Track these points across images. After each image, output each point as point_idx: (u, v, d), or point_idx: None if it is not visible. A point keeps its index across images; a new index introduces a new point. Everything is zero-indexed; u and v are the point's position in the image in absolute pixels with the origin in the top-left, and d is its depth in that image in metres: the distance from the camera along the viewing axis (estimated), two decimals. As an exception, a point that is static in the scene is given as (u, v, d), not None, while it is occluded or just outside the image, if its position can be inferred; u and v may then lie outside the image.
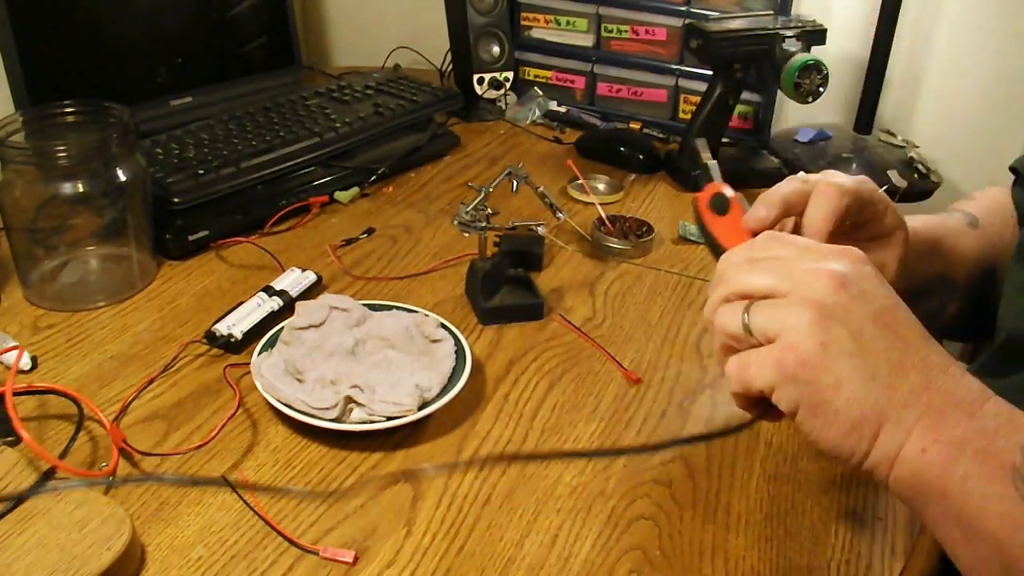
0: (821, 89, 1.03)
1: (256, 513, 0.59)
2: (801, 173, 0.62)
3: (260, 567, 0.56)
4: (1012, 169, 0.77)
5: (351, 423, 0.65)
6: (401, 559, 0.57)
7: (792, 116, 1.32)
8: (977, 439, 0.44)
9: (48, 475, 0.60)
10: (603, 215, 0.97)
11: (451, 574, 0.56)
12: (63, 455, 0.63)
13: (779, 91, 1.11)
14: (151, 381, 0.72)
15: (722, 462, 0.66)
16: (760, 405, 0.51)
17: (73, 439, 0.65)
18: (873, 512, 0.62)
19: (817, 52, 1.05)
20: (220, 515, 0.59)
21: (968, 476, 0.44)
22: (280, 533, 0.58)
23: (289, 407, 0.66)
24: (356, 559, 0.56)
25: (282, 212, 0.97)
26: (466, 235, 0.83)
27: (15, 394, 0.67)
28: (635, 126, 1.28)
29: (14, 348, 0.69)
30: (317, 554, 0.56)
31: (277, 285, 0.83)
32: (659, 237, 0.98)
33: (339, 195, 1.04)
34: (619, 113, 1.33)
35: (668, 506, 0.62)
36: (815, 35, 1.07)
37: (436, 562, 0.57)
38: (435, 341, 0.74)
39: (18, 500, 0.56)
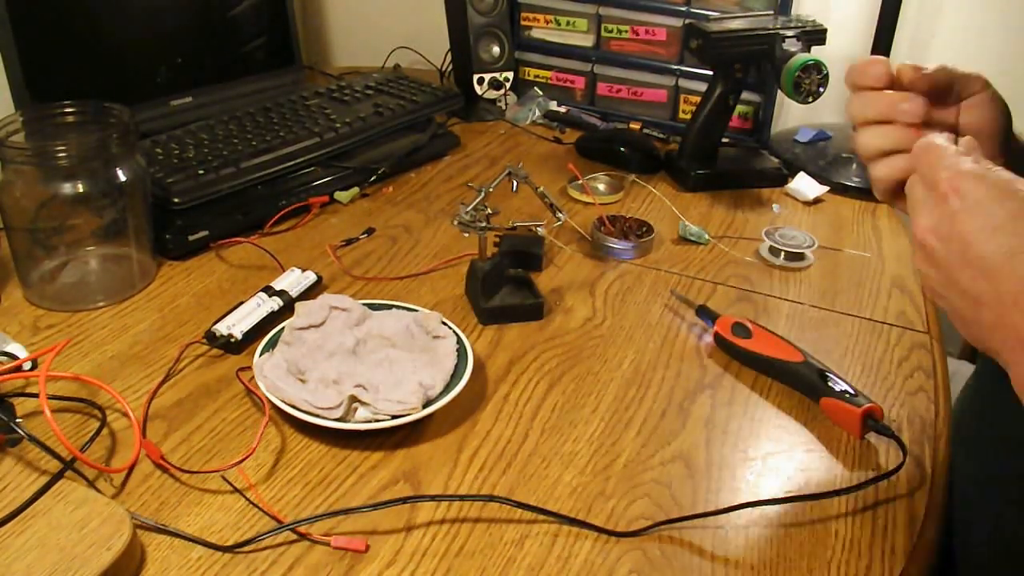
0: (821, 89, 1.03)
1: (262, 510, 0.59)
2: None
3: (260, 567, 0.56)
4: None
5: (356, 422, 0.65)
6: (401, 559, 0.57)
7: (792, 116, 1.32)
8: None
9: (68, 464, 0.60)
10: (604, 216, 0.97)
11: (451, 574, 0.56)
12: (82, 450, 0.63)
13: (779, 91, 1.11)
14: (160, 385, 0.72)
15: (722, 462, 0.66)
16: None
17: (95, 436, 0.65)
18: (873, 512, 0.62)
19: (817, 52, 1.05)
20: (220, 515, 0.59)
21: None
22: (285, 526, 0.58)
23: (293, 407, 0.66)
24: (368, 547, 0.57)
25: (282, 212, 0.97)
26: (466, 235, 0.83)
27: (22, 394, 0.68)
28: (635, 126, 1.28)
29: (46, 351, 0.69)
30: (329, 545, 0.57)
31: (277, 285, 0.83)
32: (659, 237, 0.98)
33: (339, 195, 1.04)
34: (619, 113, 1.33)
35: (668, 506, 0.62)
36: (815, 35, 1.07)
37: (436, 562, 0.57)
38: (437, 337, 0.74)
39: (38, 493, 0.56)
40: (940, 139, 0.55)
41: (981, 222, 0.50)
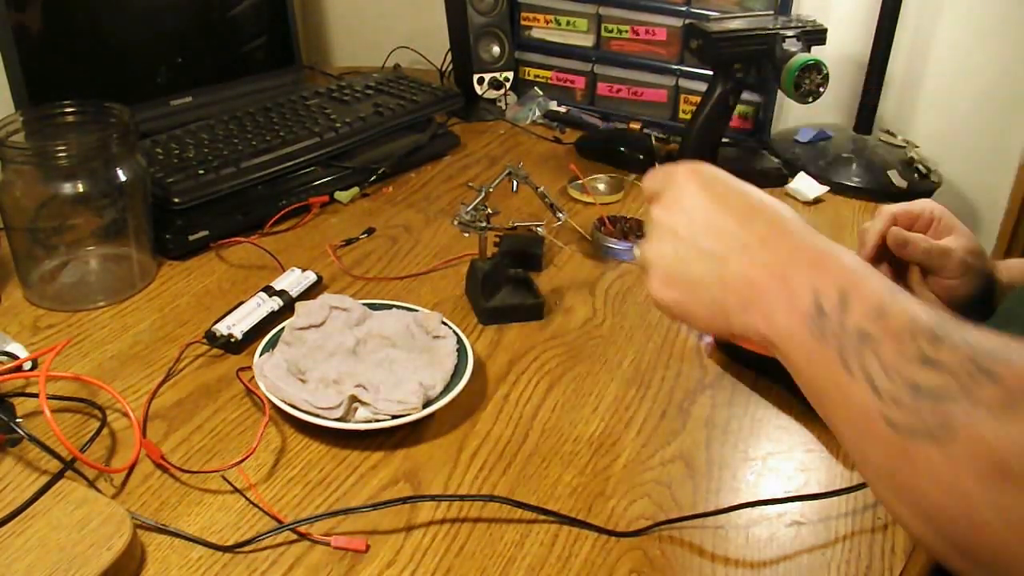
0: (821, 89, 1.03)
1: (262, 510, 0.59)
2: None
3: (260, 567, 0.56)
4: None
5: (356, 422, 0.65)
6: (401, 559, 0.57)
7: (792, 116, 1.32)
8: (786, 301, 0.47)
9: (68, 464, 0.60)
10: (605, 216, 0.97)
11: (451, 574, 0.56)
12: (82, 450, 0.63)
13: (779, 91, 1.11)
14: (160, 385, 0.72)
15: (722, 462, 0.66)
16: None
17: (95, 436, 0.65)
18: (873, 512, 0.62)
19: (817, 52, 1.05)
20: (220, 515, 0.59)
21: (782, 334, 0.47)
22: (286, 526, 0.58)
23: (293, 407, 0.66)
24: (368, 547, 0.57)
25: (282, 212, 0.97)
26: (466, 235, 0.83)
27: (21, 394, 0.68)
28: (635, 126, 1.28)
29: (46, 351, 0.69)
30: (329, 545, 0.57)
31: (277, 285, 0.83)
32: (659, 237, 0.98)
33: (339, 195, 1.04)
34: (619, 113, 1.33)
35: (668, 506, 0.62)
36: (815, 35, 1.07)
37: (436, 562, 0.57)
38: (437, 337, 0.74)
39: (38, 493, 0.56)
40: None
41: (717, 188, 0.53)
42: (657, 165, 0.59)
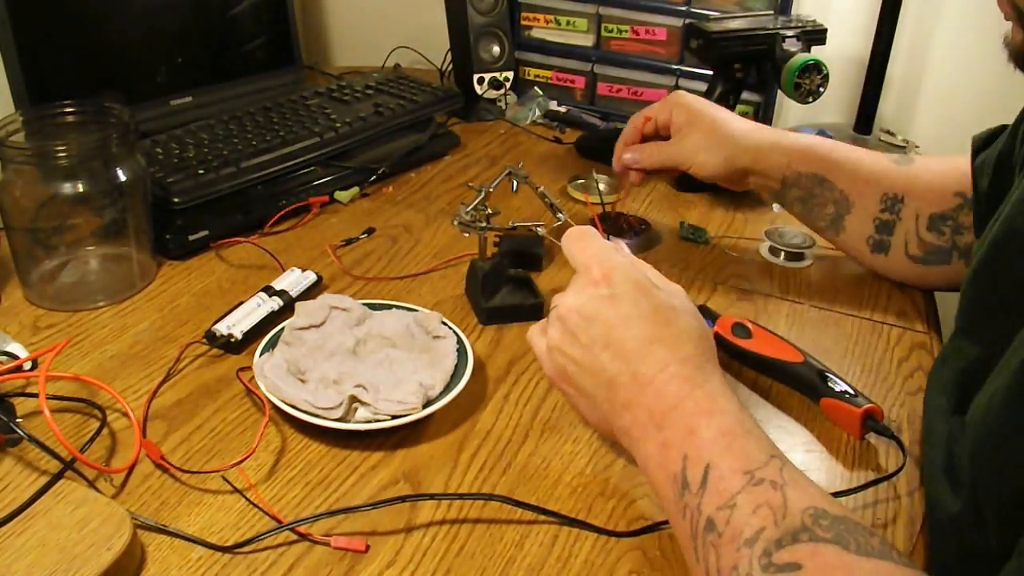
0: (821, 89, 1.03)
1: (262, 510, 0.59)
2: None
3: (260, 568, 0.56)
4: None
5: (356, 422, 0.65)
6: (401, 559, 0.57)
7: (792, 116, 1.32)
8: (658, 452, 0.53)
9: (68, 464, 0.60)
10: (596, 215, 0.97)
11: (451, 574, 0.56)
12: (82, 450, 0.63)
13: (779, 91, 1.11)
14: (160, 385, 0.72)
15: (722, 462, 0.66)
16: None
17: (95, 436, 0.65)
18: (873, 512, 0.62)
19: (817, 52, 1.05)
20: (220, 515, 0.59)
21: (655, 482, 0.54)
22: (285, 526, 0.58)
23: (293, 407, 0.66)
24: (368, 547, 0.57)
25: (282, 212, 0.97)
26: (466, 235, 0.83)
27: (21, 394, 0.68)
28: (635, 126, 1.28)
29: (46, 351, 0.69)
30: (329, 545, 0.57)
31: (277, 285, 0.83)
32: (659, 236, 0.98)
33: (339, 195, 1.04)
34: (619, 113, 1.33)
35: (668, 506, 0.62)
36: (815, 35, 1.07)
37: (436, 562, 0.57)
38: (437, 337, 0.74)
39: (38, 493, 0.56)
40: (592, 229, 0.62)
41: (626, 311, 0.56)
42: (576, 230, 0.62)
